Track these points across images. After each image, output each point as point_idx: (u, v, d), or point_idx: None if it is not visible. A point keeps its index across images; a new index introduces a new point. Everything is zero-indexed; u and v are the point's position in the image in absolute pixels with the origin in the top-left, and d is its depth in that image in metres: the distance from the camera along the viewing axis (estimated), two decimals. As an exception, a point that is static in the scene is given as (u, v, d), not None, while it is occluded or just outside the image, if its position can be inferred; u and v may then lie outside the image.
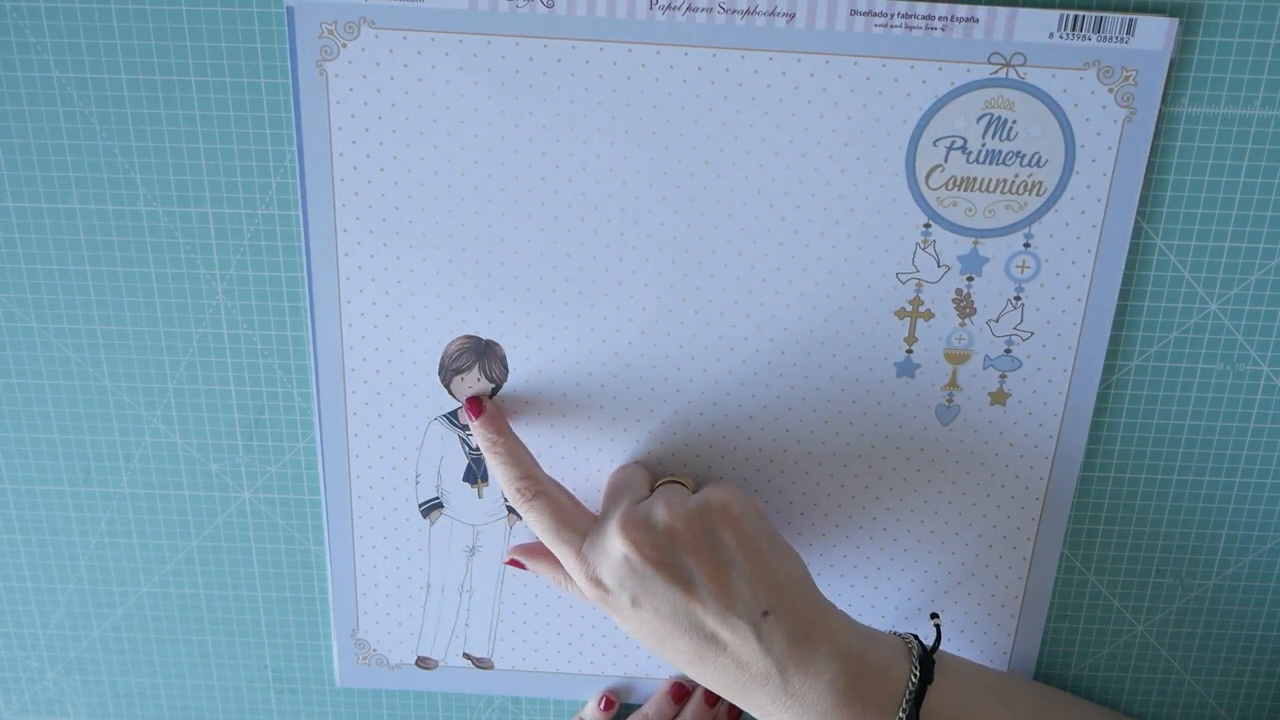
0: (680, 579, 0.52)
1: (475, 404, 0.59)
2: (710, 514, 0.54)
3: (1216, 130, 0.55)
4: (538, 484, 0.57)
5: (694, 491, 0.57)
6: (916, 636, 0.57)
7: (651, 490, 0.58)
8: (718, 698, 0.66)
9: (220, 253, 0.59)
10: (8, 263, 0.59)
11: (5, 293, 0.59)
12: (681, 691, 0.66)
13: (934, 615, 0.60)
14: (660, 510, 0.54)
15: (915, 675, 0.54)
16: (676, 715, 0.66)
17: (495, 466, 0.58)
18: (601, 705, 0.67)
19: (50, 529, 0.65)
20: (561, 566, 0.57)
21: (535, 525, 0.56)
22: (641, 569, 0.52)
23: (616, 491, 0.58)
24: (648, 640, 0.54)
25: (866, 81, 0.53)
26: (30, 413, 0.62)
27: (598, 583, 0.54)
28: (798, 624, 0.53)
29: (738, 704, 0.54)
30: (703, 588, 0.52)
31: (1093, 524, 0.63)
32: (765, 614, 0.52)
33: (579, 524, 0.56)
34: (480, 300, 0.58)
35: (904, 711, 0.53)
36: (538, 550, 0.61)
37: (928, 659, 0.55)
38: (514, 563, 0.62)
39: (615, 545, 0.53)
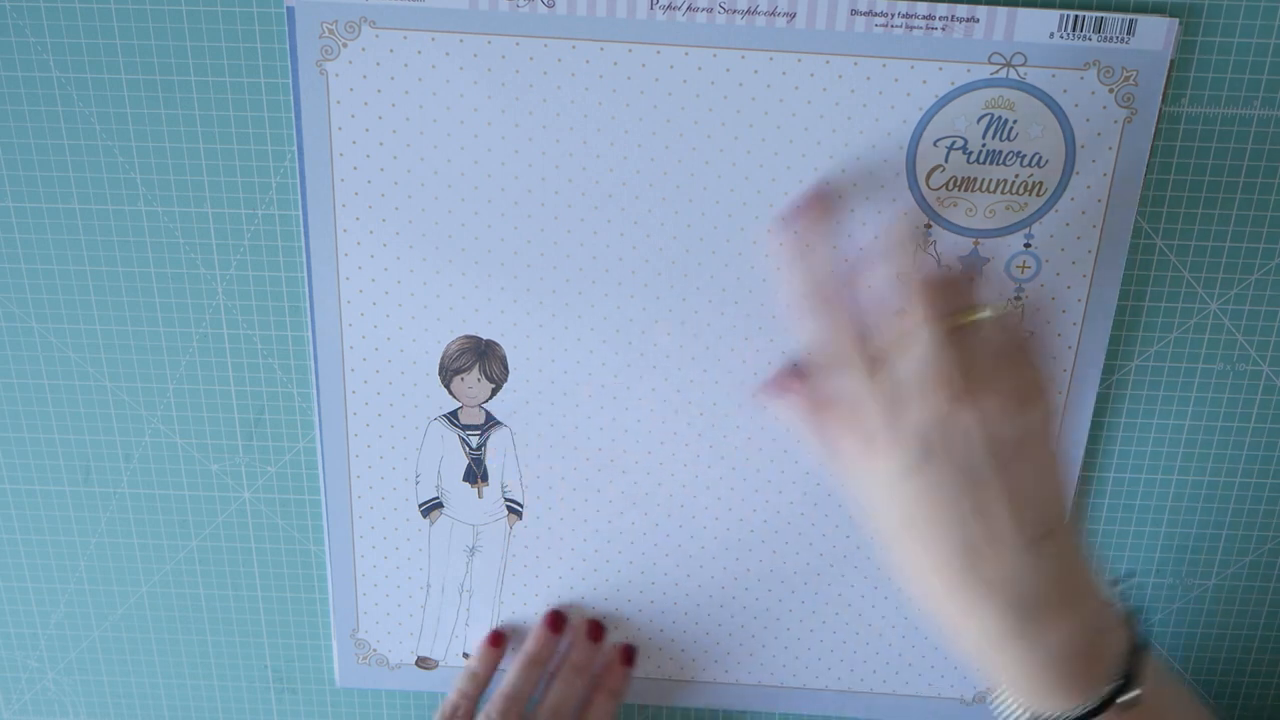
0: (996, 462, 0.45)
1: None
2: (1044, 416, 0.48)
3: (1216, 130, 0.55)
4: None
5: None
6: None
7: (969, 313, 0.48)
8: (602, 632, 0.65)
9: (220, 253, 0.59)
10: (8, 263, 0.59)
11: (5, 293, 0.59)
12: (559, 620, 0.65)
13: (1123, 578, 0.56)
14: (1004, 382, 0.47)
15: (1135, 640, 0.49)
16: (556, 646, 0.65)
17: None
18: (490, 641, 0.65)
19: (50, 529, 0.65)
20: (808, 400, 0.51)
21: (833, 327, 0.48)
22: (961, 439, 0.45)
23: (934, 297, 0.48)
24: (894, 510, 0.48)
25: (867, 82, 0.53)
26: (30, 413, 0.62)
27: (895, 426, 0.46)
28: (1068, 555, 0.48)
29: (969, 631, 0.48)
30: (1003, 486, 0.46)
31: (1093, 524, 0.63)
32: (1049, 534, 0.47)
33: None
34: (480, 300, 0.58)
35: (1120, 672, 0.48)
36: (792, 380, 0.53)
37: (1134, 622, 0.50)
38: (770, 393, 0.55)
39: (940, 403, 0.45)
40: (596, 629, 0.66)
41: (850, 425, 0.48)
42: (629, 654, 0.66)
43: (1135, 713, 0.48)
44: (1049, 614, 0.47)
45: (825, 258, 0.50)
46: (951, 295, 0.47)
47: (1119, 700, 0.48)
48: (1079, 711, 0.48)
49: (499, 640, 0.66)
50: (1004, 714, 0.50)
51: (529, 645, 0.65)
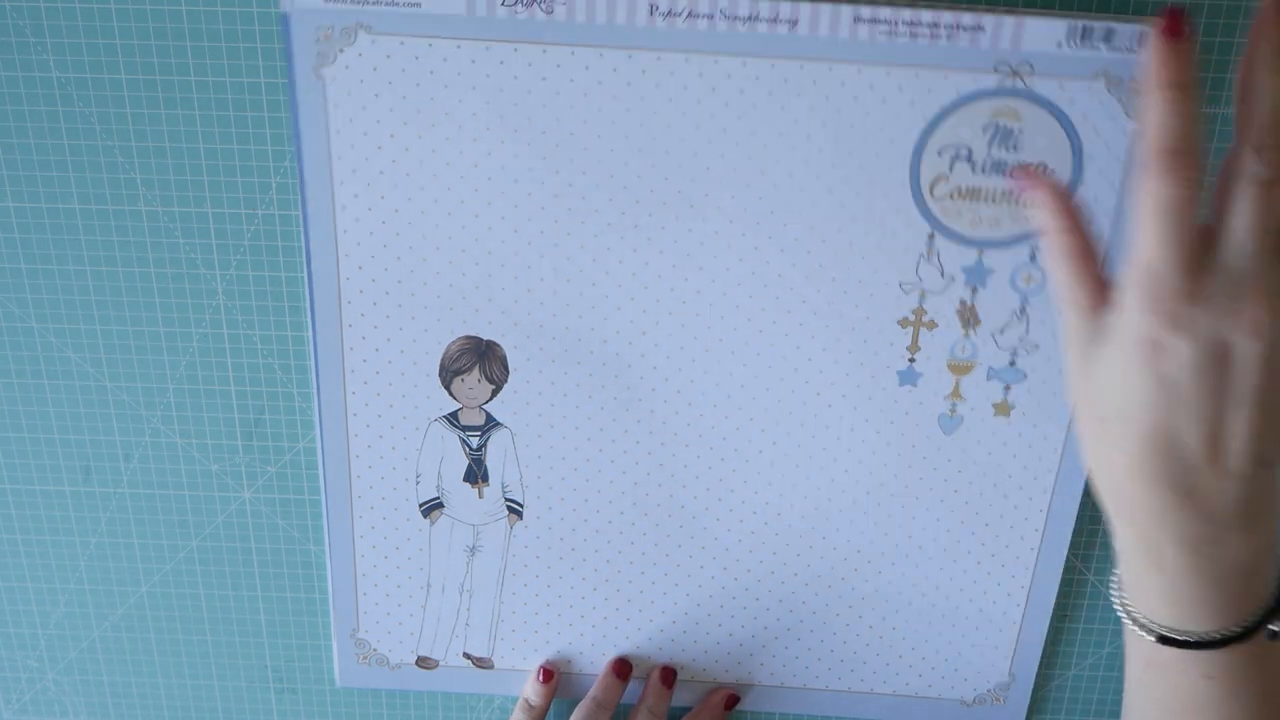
0: (1261, 390, 0.44)
1: None
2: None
3: (1217, 132, 0.54)
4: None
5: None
6: None
7: None
8: (674, 677, 0.66)
9: (220, 253, 0.58)
10: (8, 263, 0.59)
11: (5, 293, 0.59)
12: (625, 668, 0.66)
13: None
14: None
15: None
16: (623, 692, 0.67)
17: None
18: (540, 678, 0.66)
19: (50, 529, 0.65)
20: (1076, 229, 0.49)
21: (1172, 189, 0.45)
22: (1248, 356, 0.44)
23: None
24: (1119, 405, 0.47)
25: (870, 90, 0.53)
26: (30, 413, 0.62)
27: (1192, 314, 0.44)
28: (1264, 489, 0.47)
29: (1142, 538, 0.48)
30: (1255, 414, 0.45)
31: (1093, 524, 0.62)
32: (1268, 464, 0.46)
33: None
34: (481, 301, 0.58)
35: (1271, 605, 0.49)
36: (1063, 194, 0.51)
37: None
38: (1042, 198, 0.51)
39: (1254, 312, 0.44)
40: (669, 675, 0.67)
41: (1139, 289, 0.46)
42: (669, 676, 0.67)
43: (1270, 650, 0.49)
44: (1233, 535, 0.47)
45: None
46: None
47: (1270, 626, 0.48)
48: (1224, 634, 0.48)
49: (550, 676, 0.67)
50: (1134, 632, 0.51)
51: (595, 691, 0.66)
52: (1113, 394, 0.47)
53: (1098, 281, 0.48)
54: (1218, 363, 0.44)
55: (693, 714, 0.67)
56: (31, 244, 0.58)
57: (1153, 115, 0.44)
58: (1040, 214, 0.51)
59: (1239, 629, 0.48)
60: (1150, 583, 0.50)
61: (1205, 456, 0.46)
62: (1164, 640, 0.50)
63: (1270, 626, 0.48)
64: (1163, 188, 0.44)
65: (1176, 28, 0.44)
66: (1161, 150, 0.44)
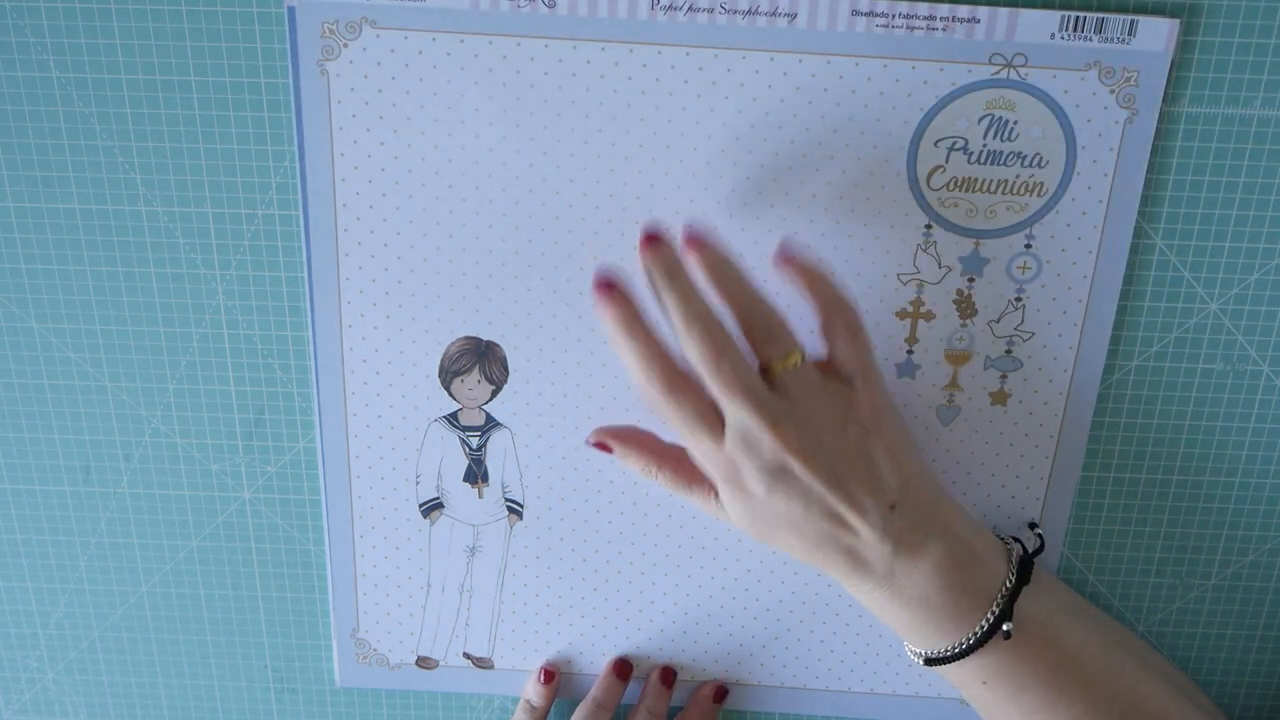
0: (823, 469, 0.51)
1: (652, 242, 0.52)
2: (852, 405, 0.53)
3: (1216, 130, 0.55)
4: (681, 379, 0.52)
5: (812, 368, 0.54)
6: (1019, 540, 0.58)
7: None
8: (674, 677, 0.67)
9: (220, 253, 0.58)
10: (8, 263, 0.59)
11: (5, 293, 0.59)
12: (625, 668, 0.66)
13: (1033, 524, 0.61)
14: (803, 395, 0.52)
15: (1012, 575, 0.55)
16: (624, 693, 0.67)
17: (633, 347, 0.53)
18: (541, 679, 0.66)
19: (50, 529, 0.65)
20: (652, 452, 0.57)
21: (675, 415, 0.52)
22: (782, 456, 0.51)
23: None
24: (766, 526, 0.54)
25: (868, 82, 0.53)
26: (30, 413, 0.62)
27: (732, 466, 0.52)
28: (919, 512, 0.54)
29: (843, 584, 0.55)
30: (844, 478, 0.52)
31: (1093, 524, 0.63)
32: (892, 507, 0.53)
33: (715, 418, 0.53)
34: (481, 301, 0.58)
35: (997, 606, 0.54)
36: (630, 436, 0.59)
37: (1027, 562, 0.56)
38: (601, 445, 0.59)
39: (755, 433, 0.51)
40: (669, 675, 0.67)
41: (711, 474, 0.54)
42: (669, 676, 0.67)
43: (1028, 641, 0.55)
44: (907, 562, 0.53)
45: (649, 335, 0.52)
46: (767, 343, 0.52)
47: (1002, 628, 0.54)
48: (963, 646, 0.55)
49: (551, 677, 0.66)
50: (909, 660, 0.59)
51: (596, 692, 0.66)
52: (758, 519, 0.54)
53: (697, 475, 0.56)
54: (785, 476, 0.52)
55: (683, 713, 0.67)
56: (31, 244, 0.58)
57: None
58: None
59: (974, 638, 0.54)
60: (887, 621, 0.56)
61: (840, 527, 0.53)
62: (928, 662, 0.56)
63: (1005, 627, 0.54)
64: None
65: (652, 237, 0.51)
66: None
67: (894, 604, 0.55)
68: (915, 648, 0.56)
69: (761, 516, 0.53)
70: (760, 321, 0.52)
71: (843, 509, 0.52)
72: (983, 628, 0.54)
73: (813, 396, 0.52)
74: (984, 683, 0.56)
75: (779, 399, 0.51)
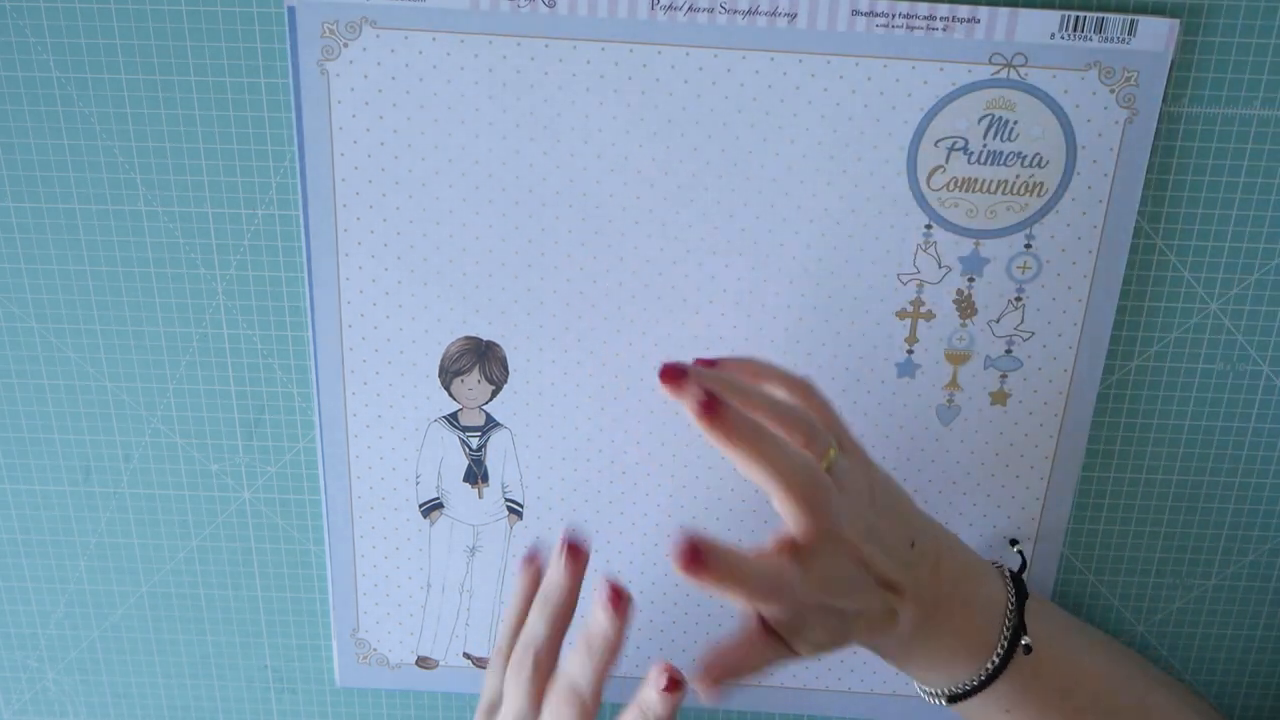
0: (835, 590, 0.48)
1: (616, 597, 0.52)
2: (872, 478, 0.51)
3: (1216, 130, 0.55)
4: None
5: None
6: (999, 562, 0.57)
7: None
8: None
9: (220, 253, 0.59)
10: (8, 263, 0.59)
11: (5, 293, 0.59)
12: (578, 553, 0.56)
13: (1013, 541, 0.61)
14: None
15: (1012, 592, 0.55)
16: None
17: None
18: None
19: (50, 529, 0.65)
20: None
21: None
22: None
23: None
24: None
25: (868, 82, 0.53)
26: (30, 413, 0.62)
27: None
28: (927, 543, 0.52)
29: (872, 644, 0.52)
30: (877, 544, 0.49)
31: (1093, 524, 0.63)
32: (911, 544, 0.51)
33: None
34: (481, 301, 0.58)
35: (1008, 625, 0.54)
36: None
37: (1018, 578, 0.56)
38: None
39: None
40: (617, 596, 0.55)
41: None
42: (675, 682, 0.62)
43: (1044, 660, 0.55)
44: (928, 630, 0.52)
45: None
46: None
47: (1021, 643, 0.54)
48: (988, 672, 0.54)
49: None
50: (927, 701, 0.57)
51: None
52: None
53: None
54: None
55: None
56: (31, 244, 0.58)
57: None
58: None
59: (990, 667, 0.53)
60: (908, 668, 0.54)
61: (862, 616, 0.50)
62: (951, 700, 0.55)
63: (1024, 641, 0.54)
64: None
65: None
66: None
67: (925, 644, 0.52)
68: (936, 688, 0.55)
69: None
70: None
71: (855, 599, 0.49)
72: (1002, 648, 0.53)
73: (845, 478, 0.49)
74: (1007, 711, 0.55)
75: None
